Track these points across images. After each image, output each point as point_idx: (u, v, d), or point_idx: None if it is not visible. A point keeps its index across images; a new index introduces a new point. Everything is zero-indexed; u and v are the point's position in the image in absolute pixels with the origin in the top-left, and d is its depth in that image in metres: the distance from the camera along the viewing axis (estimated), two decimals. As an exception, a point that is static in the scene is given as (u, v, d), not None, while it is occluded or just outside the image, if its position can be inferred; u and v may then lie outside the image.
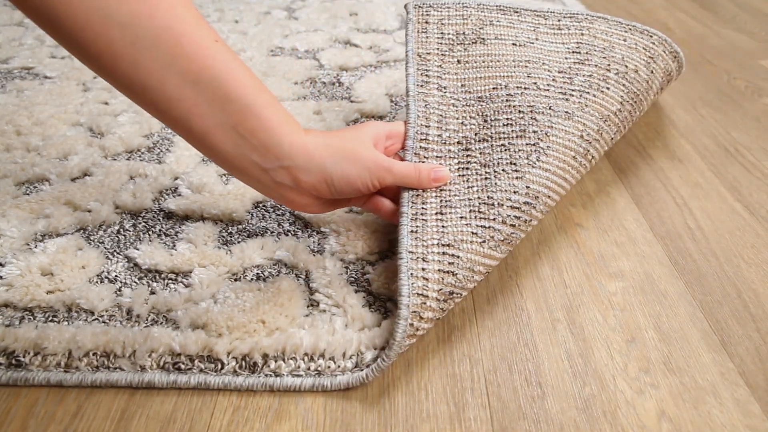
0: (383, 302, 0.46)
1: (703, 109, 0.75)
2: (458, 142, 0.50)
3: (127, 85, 0.38)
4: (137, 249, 0.51)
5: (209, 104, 0.39)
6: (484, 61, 0.57)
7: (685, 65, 0.69)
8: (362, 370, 0.40)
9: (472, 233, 0.44)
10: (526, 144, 0.49)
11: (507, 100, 0.52)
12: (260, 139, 0.41)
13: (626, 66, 0.58)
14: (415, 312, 0.40)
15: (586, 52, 0.58)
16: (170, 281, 0.48)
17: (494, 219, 0.45)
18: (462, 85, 0.55)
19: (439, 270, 0.42)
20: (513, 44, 0.58)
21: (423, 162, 0.49)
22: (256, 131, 0.41)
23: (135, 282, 0.48)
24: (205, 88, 0.39)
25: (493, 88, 0.54)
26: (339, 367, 0.41)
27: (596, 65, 0.57)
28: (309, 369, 0.40)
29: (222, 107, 0.40)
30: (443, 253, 0.43)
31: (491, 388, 0.40)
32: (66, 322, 0.44)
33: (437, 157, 0.49)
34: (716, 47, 0.94)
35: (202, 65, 0.38)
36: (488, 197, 0.46)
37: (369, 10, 1.08)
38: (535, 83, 0.54)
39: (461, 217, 0.45)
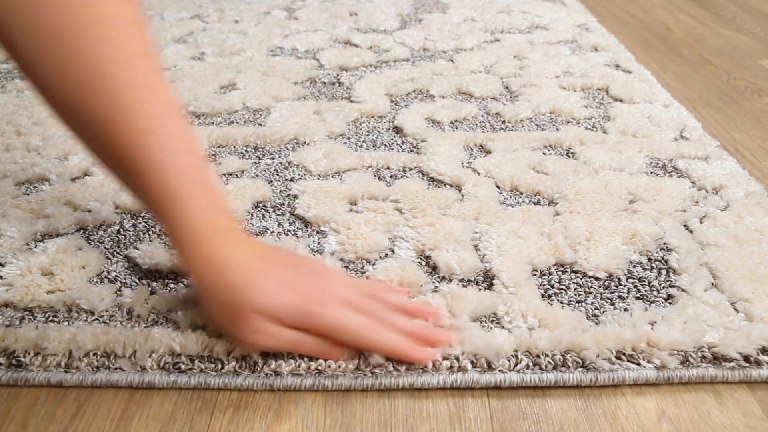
0: (383, 302, 0.46)
1: (703, 109, 0.75)
2: None
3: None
4: (137, 249, 0.51)
5: (134, 188, 0.42)
6: None
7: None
8: (366, 375, 0.40)
9: None
10: None
11: None
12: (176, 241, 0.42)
13: None
14: None
15: None
16: (170, 281, 0.48)
17: None
18: None
19: None
20: None
21: None
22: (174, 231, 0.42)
23: (135, 282, 0.48)
24: (128, 175, 0.41)
25: None
26: (339, 367, 0.41)
27: None
28: (309, 368, 0.40)
29: (146, 199, 0.42)
30: None
31: (491, 388, 0.40)
32: (66, 322, 0.44)
33: None
34: (716, 47, 0.94)
35: (128, 157, 0.40)
36: None
37: (369, 10, 1.08)
38: None
39: None
